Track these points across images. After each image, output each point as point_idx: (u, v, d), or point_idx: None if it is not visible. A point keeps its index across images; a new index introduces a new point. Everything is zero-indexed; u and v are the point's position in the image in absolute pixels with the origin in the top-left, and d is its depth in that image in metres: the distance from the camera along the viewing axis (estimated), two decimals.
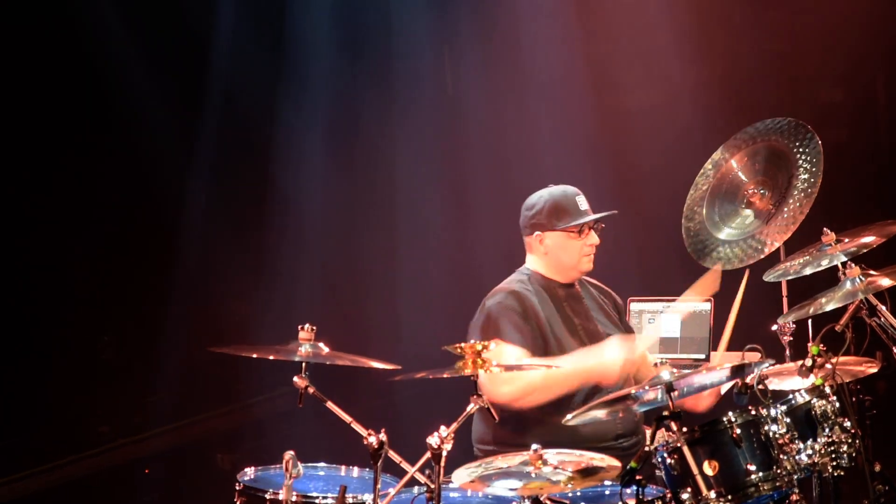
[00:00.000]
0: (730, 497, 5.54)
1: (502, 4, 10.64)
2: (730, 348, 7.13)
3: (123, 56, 10.13)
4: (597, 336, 6.59)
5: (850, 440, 5.76)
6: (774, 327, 7.02)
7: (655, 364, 5.60)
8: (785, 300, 7.31)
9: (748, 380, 5.86)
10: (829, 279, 6.32)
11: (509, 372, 6.24)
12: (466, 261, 10.54)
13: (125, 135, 10.32)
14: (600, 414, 5.78)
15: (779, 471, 5.63)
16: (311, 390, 5.82)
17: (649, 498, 5.56)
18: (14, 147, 9.89)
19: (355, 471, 6.10)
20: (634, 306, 7.88)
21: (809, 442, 5.73)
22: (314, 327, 5.90)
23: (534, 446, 5.30)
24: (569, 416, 5.71)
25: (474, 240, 10.55)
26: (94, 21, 9.99)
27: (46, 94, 9.98)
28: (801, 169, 6.92)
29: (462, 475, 5.36)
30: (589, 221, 6.60)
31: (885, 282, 6.11)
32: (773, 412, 5.72)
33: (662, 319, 7.73)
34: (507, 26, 10.63)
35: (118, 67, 10.17)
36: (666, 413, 5.47)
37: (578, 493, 5.65)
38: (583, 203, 6.63)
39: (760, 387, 5.84)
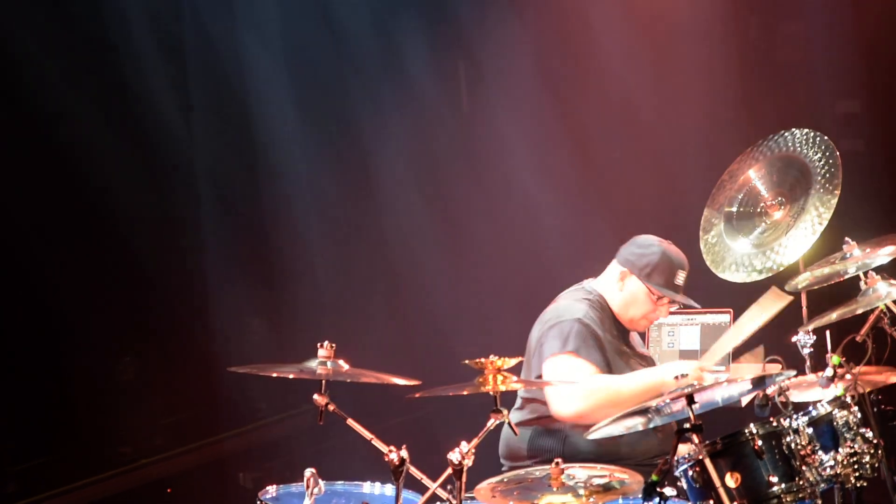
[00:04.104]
0: None
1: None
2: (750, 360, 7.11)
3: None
4: (642, 364, 6.64)
5: (872, 451, 5.75)
6: (794, 338, 7.00)
7: (676, 377, 5.60)
8: (805, 311, 7.28)
9: (769, 391, 5.85)
10: (849, 289, 6.31)
11: (583, 388, 6.29)
12: (487, 276, 10.57)
13: (143, 160, 10.35)
14: (620, 428, 5.77)
15: (801, 482, 5.62)
16: (331, 407, 5.82)
17: None
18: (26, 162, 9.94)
19: (377, 487, 6.10)
20: None
21: (832, 453, 5.72)
22: (333, 344, 5.89)
23: (556, 460, 5.30)
24: (590, 431, 5.72)
25: (498, 254, 10.58)
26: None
27: None
28: (820, 180, 6.91)
29: (484, 489, 5.36)
30: (670, 297, 6.63)
31: None
32: (794, 423, 5.71)
33: (681, 332, 7.72)
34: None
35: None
36: (687, 425, 5.46)
37: None
38: (681, 279, 6.66)
39: (781, 398, 5.83)
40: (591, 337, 6.46)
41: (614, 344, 6.60)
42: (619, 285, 6.65)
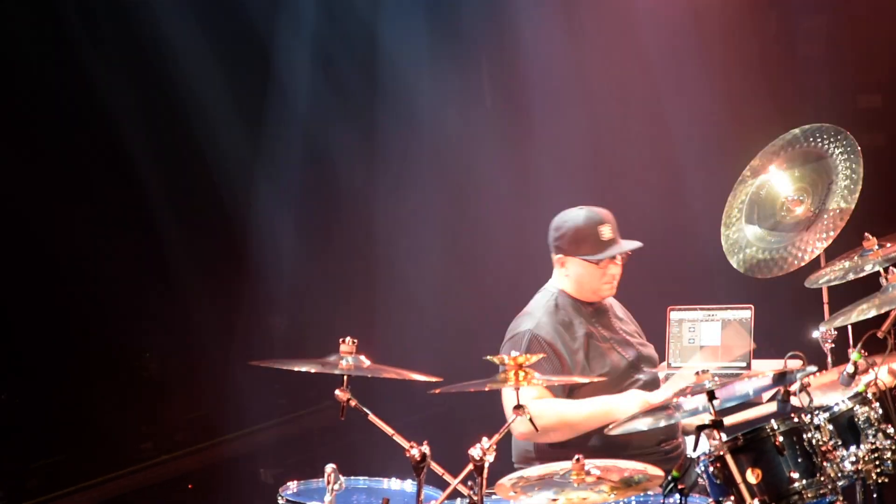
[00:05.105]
0: None
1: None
2: (771, 356, 7.10)
3: None
4: (627, 346, 6.62)
5: (893, 447, 5.73)
6: (816, 334, 6.99)
7: (697, 373, 5.60)
8: (826, 307, 7.27)
9: (790, 387, 5.84)
10: (871, 285, 6.29)
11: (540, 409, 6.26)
12: (506, 272, 10.57)
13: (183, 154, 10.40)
14: (642, 425, 5.77)
15: (822, 478, 5.61)
16: (352, 403, 5.82)
17: None
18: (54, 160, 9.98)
19: (397, 483, 6.10)
20: (675, 315, 7.83)
21: (853, 449, 5.70)
22: (355, 340, 5.90)
23: (576, 456, 5.30)
24: (611, 426, 5.72)
25: (516, 250, 10.59)
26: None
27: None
28: (841, 175, 6.90)
29: (504, 484, 5.37)
30: (608, 256, 6.59)
31: None
32: (815, 419, 5.70)
33: (702, 328, 7.70)
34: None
35: None
36: (708, 421, 5.46)
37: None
38: (606, 232, 6.59)
39: (803, 394, 5.81)
40: (546, 348, 6.46)
41: (588, 330, 6.58)
42: (564, 271, 6.65)
